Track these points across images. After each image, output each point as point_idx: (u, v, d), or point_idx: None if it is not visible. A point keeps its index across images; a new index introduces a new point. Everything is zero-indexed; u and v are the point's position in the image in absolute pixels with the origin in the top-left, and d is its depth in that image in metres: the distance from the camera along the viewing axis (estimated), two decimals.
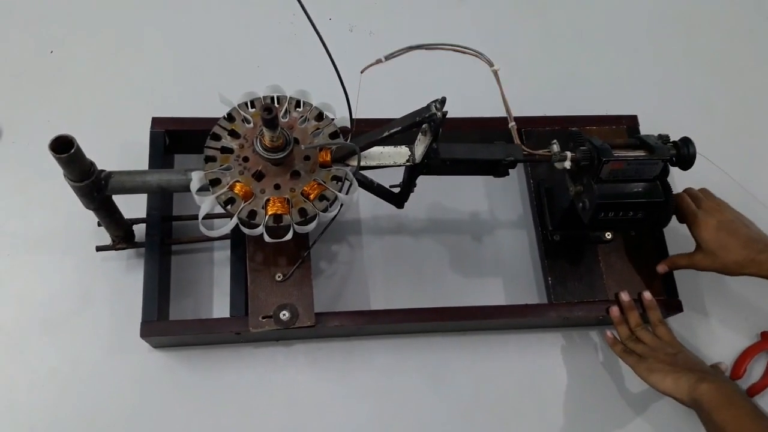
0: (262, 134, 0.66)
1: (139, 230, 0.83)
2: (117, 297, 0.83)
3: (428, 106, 0.65)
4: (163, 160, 0.86)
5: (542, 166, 0.92)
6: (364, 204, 0.92)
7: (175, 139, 0.88)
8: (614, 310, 0.83)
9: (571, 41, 1.10)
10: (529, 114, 0.95)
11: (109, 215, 0.77)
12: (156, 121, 0.87)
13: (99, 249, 0.83)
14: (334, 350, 0.84)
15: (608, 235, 0.88)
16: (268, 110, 0.60)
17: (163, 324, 0.79)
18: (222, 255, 0.87)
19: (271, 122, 0.62)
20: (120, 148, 0.91)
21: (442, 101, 0.64)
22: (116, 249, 0.83)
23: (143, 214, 0.82)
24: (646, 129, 0.94)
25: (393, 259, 0.90)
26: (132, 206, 0.81)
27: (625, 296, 0.83)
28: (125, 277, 0.84)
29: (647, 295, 0.83)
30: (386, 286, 0.88)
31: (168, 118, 0.87)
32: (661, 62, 1.10)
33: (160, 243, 0.81)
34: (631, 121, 0.96)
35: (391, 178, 0.81)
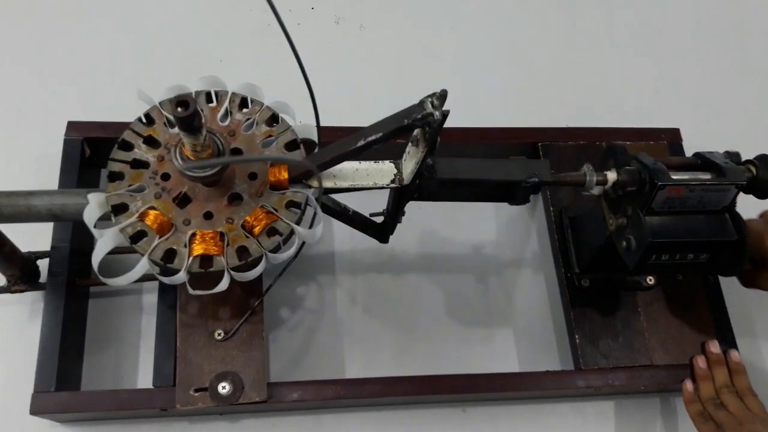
0: (182, 142, 0.47)
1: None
2: (13, 352, 0.68)
3: (421, 104, 0.46)
4: (83, 175, 0.72)
5: (565, 189, 0.77)
6: (339, 234, 0.78)
7: (100, 149, 0.73)
8: (700, 361, 0.71)
9: (599, 41, 0.98)
10: (549, 125, 0.83)
11: None
12: (73, 126, 0.72)
13: None
14: (295, 426, 0.69)
15: (650, 280, 0.71)
16: (183, 105, 0.41)
17: (63, 397, 0.62)
18: (152, 298, 0.70)
19: (188, 123, 0.43)
20: (36, 159, 0.76)
21: (442, 96, 0.45)
22: (12, 292, 0.67)
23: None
24: (690, 145, 0.83)
25: (375, 306, 0.76)
26: (38, 234, 0.66)
27: (714, 347, 0.72)
28: (26, 327, 0.69)
29: (734, 355, 0.72)
30: (365, 344, 0.74)
31: (89, 123, 0.73)
32: (705, 69, 0.97)
33: (69, 284, 0.66)
34: (673, 136, 0.84)
35: (373, 202, 0.67)
